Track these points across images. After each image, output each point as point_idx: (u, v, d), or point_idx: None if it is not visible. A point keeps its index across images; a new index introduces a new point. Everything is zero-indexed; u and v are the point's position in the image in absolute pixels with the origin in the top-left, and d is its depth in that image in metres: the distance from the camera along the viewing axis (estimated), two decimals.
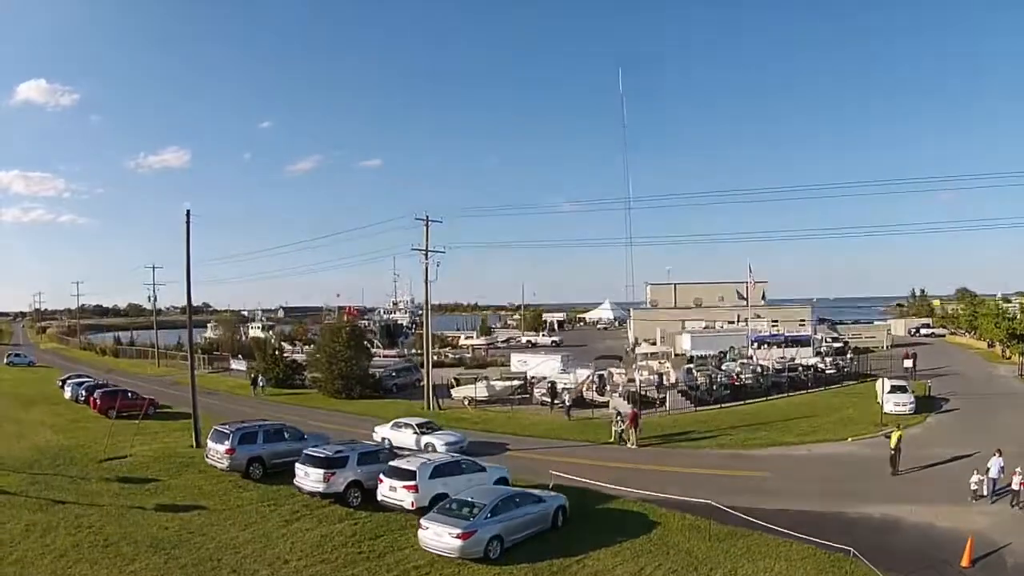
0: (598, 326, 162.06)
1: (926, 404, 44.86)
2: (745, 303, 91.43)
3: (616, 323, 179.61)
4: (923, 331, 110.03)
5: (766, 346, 78.34)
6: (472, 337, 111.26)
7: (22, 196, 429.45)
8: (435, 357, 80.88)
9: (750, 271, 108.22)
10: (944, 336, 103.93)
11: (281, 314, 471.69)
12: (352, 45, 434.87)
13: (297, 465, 26.26)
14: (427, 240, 48.12)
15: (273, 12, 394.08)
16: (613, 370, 51.05)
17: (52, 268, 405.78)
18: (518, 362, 61.45)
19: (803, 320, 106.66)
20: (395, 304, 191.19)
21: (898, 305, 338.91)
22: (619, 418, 37.65)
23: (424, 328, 50.71)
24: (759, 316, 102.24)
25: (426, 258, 48.38)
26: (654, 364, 51.71)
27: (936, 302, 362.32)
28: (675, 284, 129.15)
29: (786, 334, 79.10)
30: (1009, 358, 70.68)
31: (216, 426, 30.73)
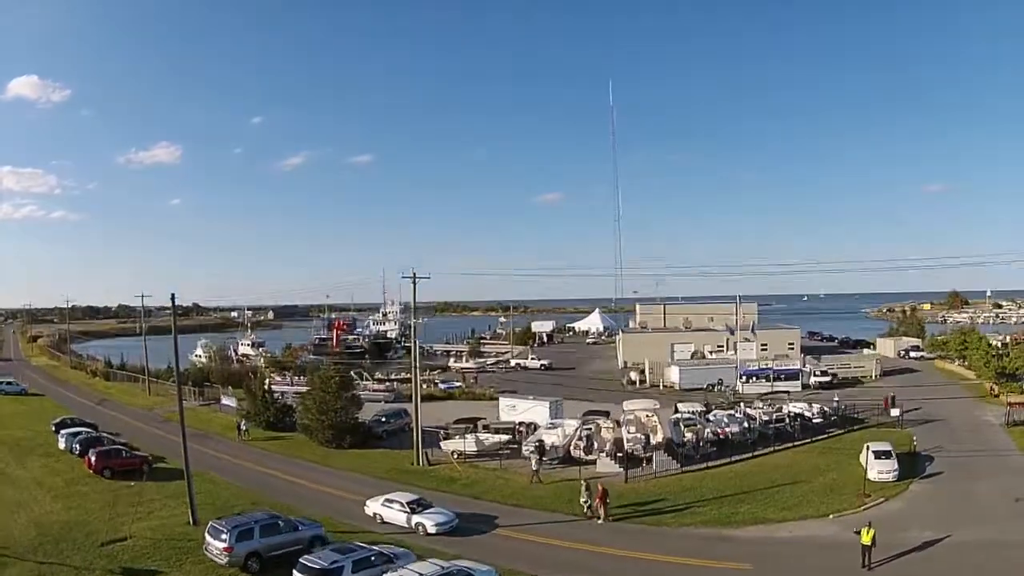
0: (587, 339, 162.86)
1: (910, 465, 45.69)
2: (733, 333, 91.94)
3: (606, 334, 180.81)
4: (912, 354, 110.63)
5: (755, 378, 79.71)
6: (462, 358, 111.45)
7: (13, 192, 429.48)
8: (423, 386, 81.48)
9: (738, 301, 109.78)
10: (933, 360, 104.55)
11: (271, 316, 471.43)
12: (343, 42, 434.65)
13: (295, 573, 26.82)
14: (414, 299, 48.64)
15: (264, 9, 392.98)
16: (601, 423, 51.69)
17: (44, 264, 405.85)
18: (507, 407, 61.96)
19: (791, 343, 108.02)
20: (384, 315, 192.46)
21: (889, 310, 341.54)
22: (586, 493, 38.29)
23: (413, 390, 50.78)
24: (748, 339, 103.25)
25: (414, 317, 48.95)
26: (642, 416, 52.30)
27: (926, 305, 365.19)
28: (664, 305, 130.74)
29: (774, 368, 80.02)
30: (997, 396, 71.53)
31: (213, 521, 31.26)
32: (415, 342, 53.76)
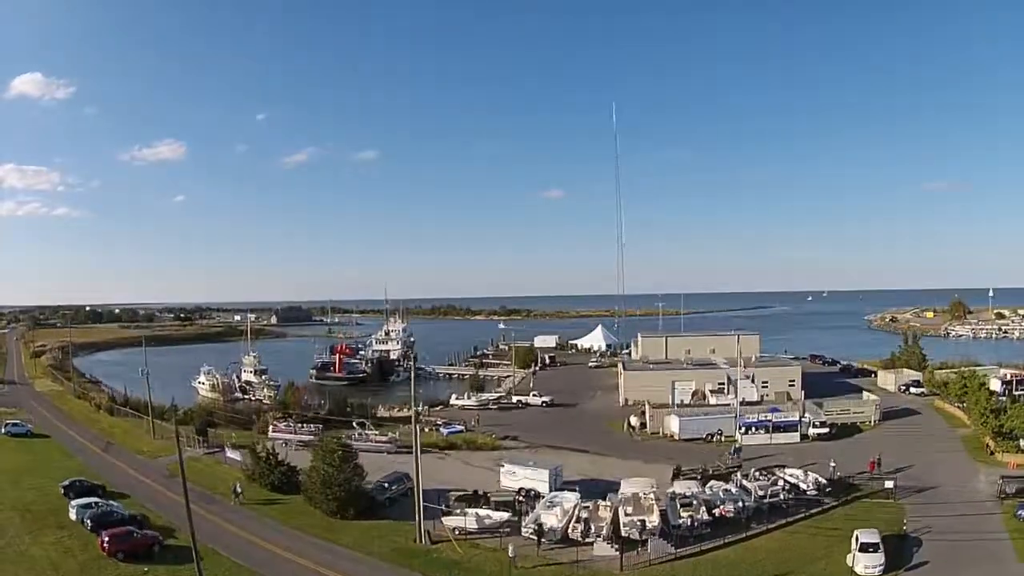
0: (590, 362, 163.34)
1: (897, 552, 46.56)
2: (733, 382, 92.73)
3: (608, 353, 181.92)
4: (913, 390, 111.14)
5: (753, 429, 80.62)
6: (464, 394, 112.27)
7: (17, 190, 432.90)
8: (424, 429, 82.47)
9: (738, 342, 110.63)
10: (934, 398, 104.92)
11: (274, 320, 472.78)
12: (347, 41, 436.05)
13: None
14: (413, 394, 49.55)
15: (269, 6, 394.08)
16: (599, 503, 52.81)
17: (47, 261, 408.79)
18: (507, 473, 62.81)
19: (792, 381, 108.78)
20: (387, 334, 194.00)
21: (892, 319, 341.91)
22: None
23: (415, 478, 51.53)
24: (748, 377, 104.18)
25: (414, 402, 49.92)
26: (640, 494, 53.37)
27: (929, 314, 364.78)
28: (666, 337, 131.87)
29: (773, 420, 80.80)
30: (993, 454, 72.13)
31: None
32: (416, 427, 54.68)
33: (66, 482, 62.05)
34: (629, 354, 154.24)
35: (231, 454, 74.16)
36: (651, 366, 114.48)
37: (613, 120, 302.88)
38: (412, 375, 50.74)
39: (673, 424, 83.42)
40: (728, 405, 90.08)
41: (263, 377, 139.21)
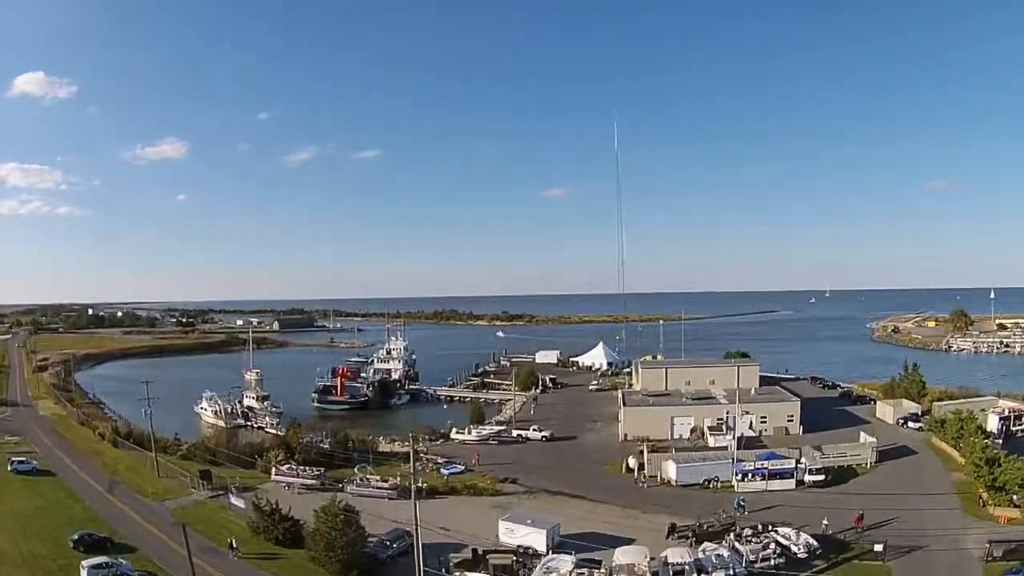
0: (591, 385, 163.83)
1: None
2: (732, 427, 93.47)
3: (610, 372, 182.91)
4: (911, 424, 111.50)
5: (749, 476, 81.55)
6: (464, 430, 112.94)
7: (19, 188, 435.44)
8: (422, 468, 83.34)
9: (737, 376, 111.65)
10: (930, 436, 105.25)
11: (276, 326, 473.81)
12: (348, 39, 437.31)
13: None
14: (414, 451, 50.55)
15: (269, 7, 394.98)
16: (596, 572, 53.84)
17: (49, 260, 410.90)
18: (505, 530, 63.77)
19: (791, 416, 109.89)
20: (389, 352, 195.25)
21: (894, 330, 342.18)
22: None
23: (415, 543, 52.69)
24: (748, 412, 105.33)
25: (413, 453, 50.88)
26: (633, 564, 54.35)
27: (931, 323, 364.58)
28: (666, 368, 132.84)
29: (769, 468, 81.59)
30: (986, 506, 72.72)
31: None
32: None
33: (75, 536, 63.15)
34: (630, 374, 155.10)
35: (235, 500, 75.01)
36: (651, 400, 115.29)
37: (615, 131, 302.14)
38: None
39: (671, 470, 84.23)
40: (726, 448, 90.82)
41: (265, 403, 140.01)
